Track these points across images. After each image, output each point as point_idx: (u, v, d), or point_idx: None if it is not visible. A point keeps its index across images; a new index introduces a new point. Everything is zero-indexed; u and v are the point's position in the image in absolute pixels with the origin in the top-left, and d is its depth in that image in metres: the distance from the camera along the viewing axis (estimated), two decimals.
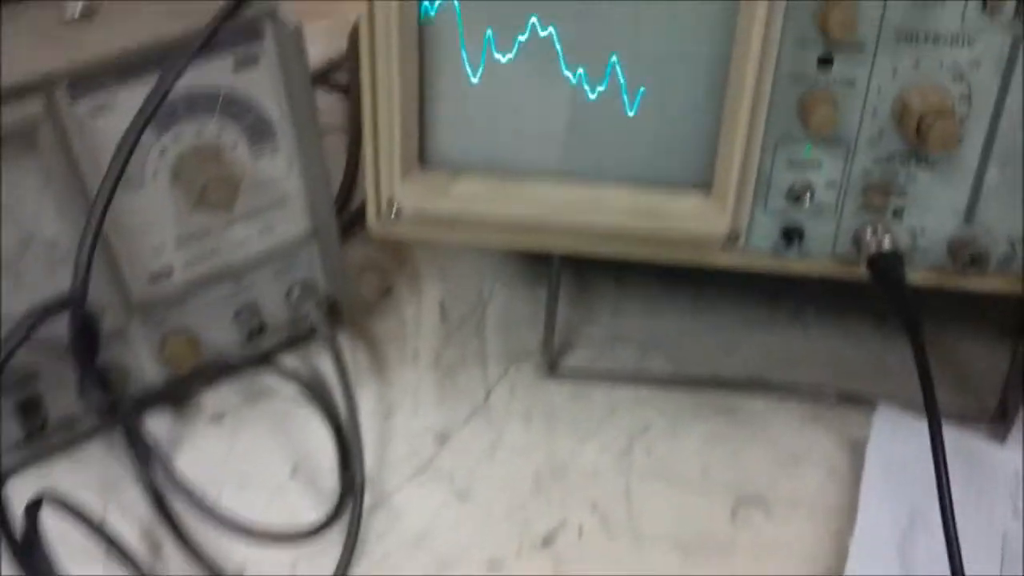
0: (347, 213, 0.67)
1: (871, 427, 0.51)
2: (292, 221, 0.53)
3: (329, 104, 0.75)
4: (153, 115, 0.42)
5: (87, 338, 0.42)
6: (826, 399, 0.55)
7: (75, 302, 0.40)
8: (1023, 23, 0.39)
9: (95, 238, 0.40)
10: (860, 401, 0.54)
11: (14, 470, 0.50)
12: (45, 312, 0.39)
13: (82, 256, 0.40)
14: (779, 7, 0.40)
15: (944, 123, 0.39)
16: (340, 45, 0.78)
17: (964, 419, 0.52)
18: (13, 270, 0.45)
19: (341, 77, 0.76)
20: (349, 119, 0.72)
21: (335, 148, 0.71)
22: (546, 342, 0.57)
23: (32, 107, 0.42)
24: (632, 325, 0.61)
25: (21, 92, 0.41)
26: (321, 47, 0.78)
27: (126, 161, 0.42)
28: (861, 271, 0.45)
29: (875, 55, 0.41)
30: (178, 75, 0.42)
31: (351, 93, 0.73)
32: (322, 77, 0.76)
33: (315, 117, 0.50)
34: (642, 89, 0.43)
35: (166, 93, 0.42)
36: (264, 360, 0.56)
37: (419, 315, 0.62)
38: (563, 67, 0.43)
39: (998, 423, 0.52)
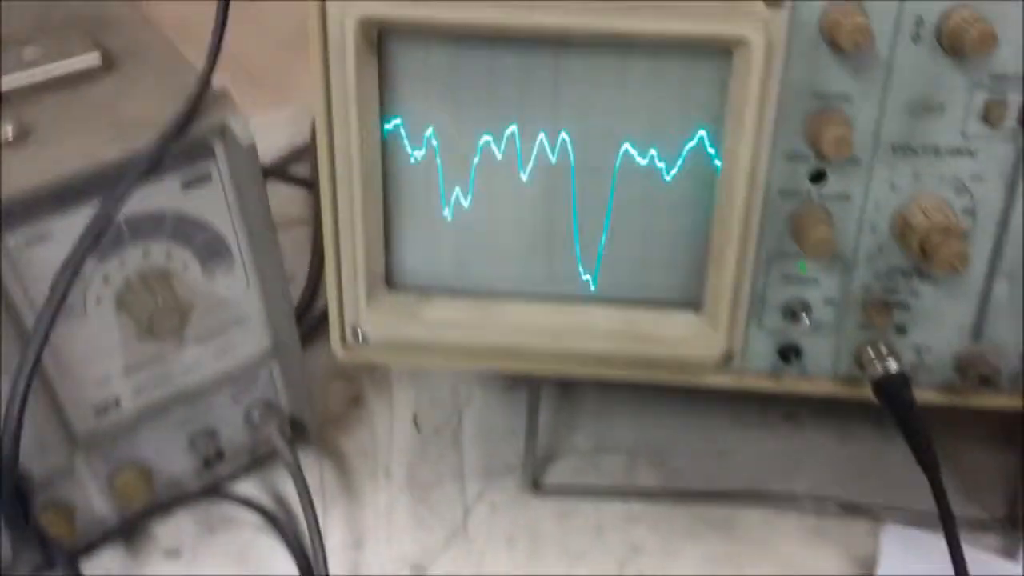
0: (312, 315, 0.63)
1: (879, 547, 0.48)
2: (251, 340, 0.50)
3: (290, 196, 0.71)
4: (92, 248, 0.38)
5: (19, 499, 0.37)
6: (827, 510, 0.52)
7: (5, 465, 0.35)
8: None
9: (26, 392, 0.36)
10: (863, 512, 0.51)
11: None
12: None
13: (13, 409, 0.36)
14: (768, 121, 0.37)
15: (952, 243, 0.37)
16: (303, 133, 0.75)
17: (971, 527, 0.49)
18: None
19: (302, 168, 0.73)
20: (313, 212, 0.69)
21: (298, 243, 0.67)
22: (527, 457, 0.53)
23: None
24: (618, 432, 0.57)
25: None
26: (283, 135, 0.75)
27: (62, 298, 0.38)
28: (866, 393, 0.42)
29: (871, 169, 0.39)
30: (120, 204, 0.38)
31: (314, 186, 0.70)
32: (283, 169, 0.73)
33: (273, 231, 0.47)
34: (631, 205, 0.40)
35: (107, 224, 0.38)
36: (222, 487, 0.52)
37: (391, 427, 0.58)
38: (551, 175, 0.40)
39: (1008, 531, 0.49)
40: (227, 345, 0.49)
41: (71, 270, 0.38)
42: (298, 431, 0.53)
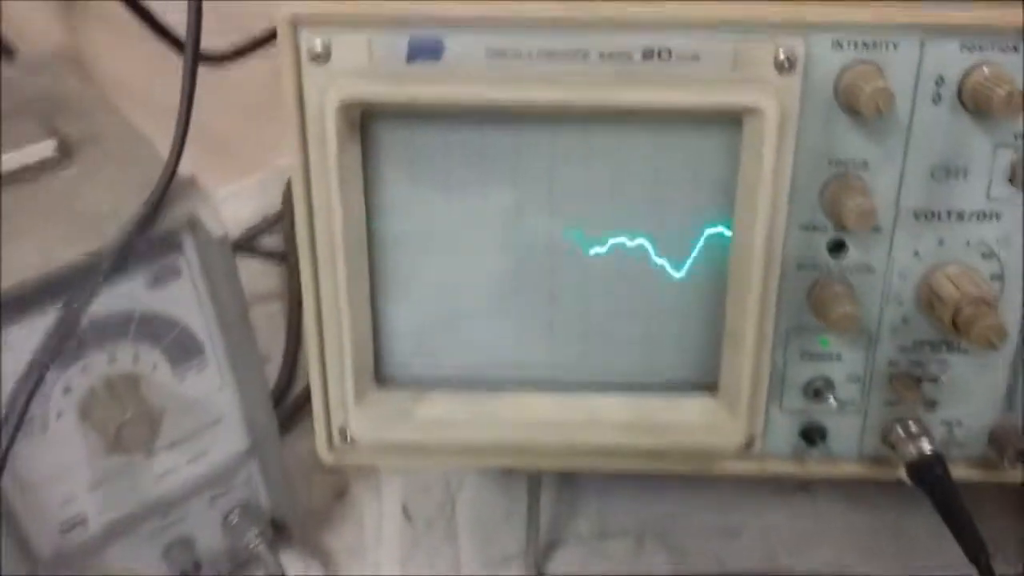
0: (289, 400, 0.59)
1: None
2: (227, 440, 0.46)
3: (262, 270, 0.68)
4: (53, 359, 0.34)
5: None
6: None
7: None
8: None
9: None
10: None
11: None
12: None
13: None
14: (782, 191, 0.35)
15: (987, 316, 0.34)
16: (273, 201, 0.72)
17: None
18: None
19: (273, 240, 0.70)
20: (287, 286, 0.66)
21: (272, 320, 0.64)
22: (529, 546, 0.50)
23: None
24: (623, 513, 0.54)
25: None
26: (251, 205, 0.72)
27: (22, 417, 0.34)
28: (898, 474, 0.39)
29: (893, 237, 0.36)
30: (82, 310, 0.35)
31: (288, 258, 0.67)
32: (252, 242, 0.69)
33: (248, 324, 0.43)
34: (639, 284, 0.37)
35: (69, 333, 0.34)
36: None
37: (380, 520, 0.54)
38: (551, 257, 0.37)
39: None
40: (202, 448, 0.45)
41: (31, 385, 0.34)
42: (281, 532, 0.49)
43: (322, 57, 0.34)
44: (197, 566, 0.47)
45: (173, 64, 0.60)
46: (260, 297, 0.64)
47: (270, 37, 0.66)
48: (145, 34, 0.57)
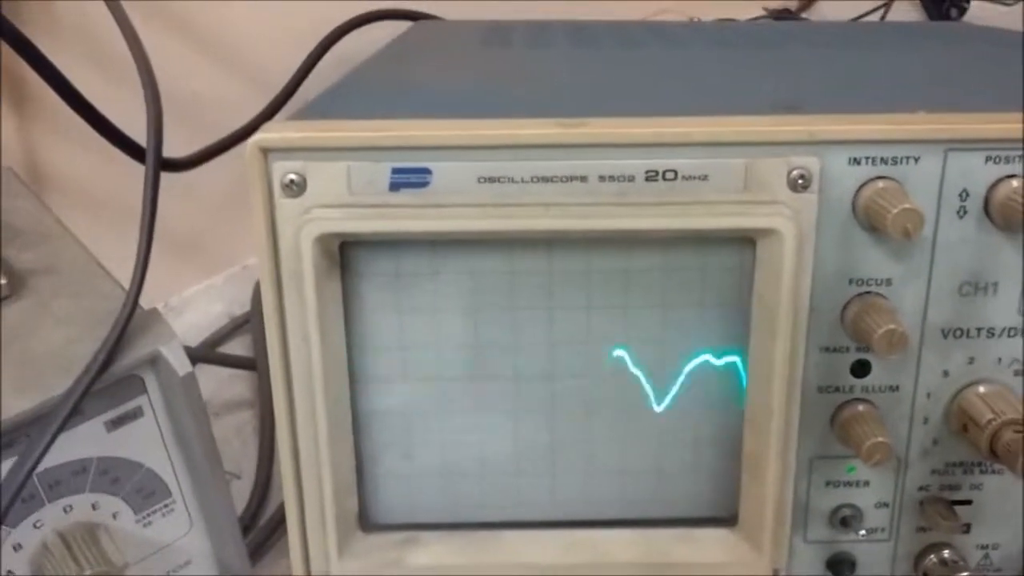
0: (262, 522, 0.55)
1: None
2: None
3: (230, 376, 0.64)
4: (3, 518, 0.30)
5: None
6: None
7: None
8: None
9: None
10: None
11: None
12: None
13: None
14: (801, 313, 0.32)
15: None
16: (242, 299, 0.69)
17: None
18: None
19: (239, 344, 0.66)
20: (259, 395, 0.62)
21: (240, 431, 0.60)
22: None
23: None
24: None
25: None
26: (219, 304, 0.68)
27: None
28: None
29: (920, 356, 0.34)
30: (35, 465, 0.31)
31: (258, 363, 0.63)
32: (218, 345, 0.65)
33: (217, 461, 0.39)
34: (649, 412, 0.34)
35: (20, 489, 0.31)
36: None
37: None
38: (550, 386, 0.34)
39: None
40: None
41: None
42: None
43: (297, 188, 0.31)
44: None
45: (133, 167, 0.57)
46: (228, 405, 0.60)
47: (234, 142, 0.64)
48: (104, 142, 0.54)
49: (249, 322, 0.67)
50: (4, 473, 0.33)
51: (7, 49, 0.56)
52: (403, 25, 0.73)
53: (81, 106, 0.51)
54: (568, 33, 0.56)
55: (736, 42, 0.54)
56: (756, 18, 1.06)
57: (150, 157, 0.38)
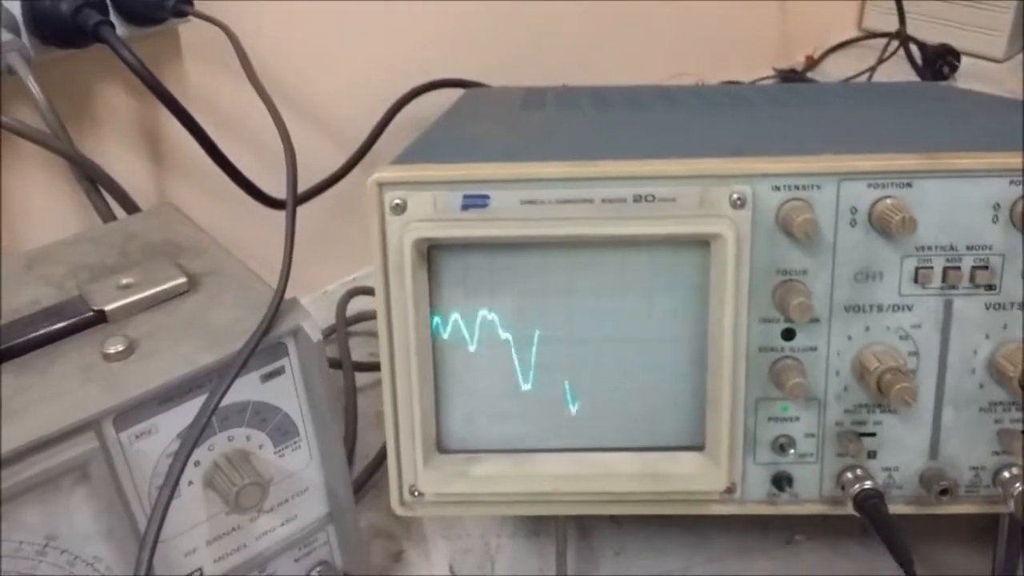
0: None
1: None
2: (312, 507, 0.56)
3: None
4: (199, 440, 0.45)
5: None
6: None
7: None
8: (951, 289, 0.47)
9: (149, 563, 0.43)
10: None
11: None
12: None
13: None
14: (743, 294, 0.47)
15: (901, 381, 0.45)
16: (326, 317, 0.84)
17: None
18: None
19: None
20: (344, 388, 0.77)
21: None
22: None
23: (85, 444, 0.45)
24: (636, 568, 0.64)
25: (75, 432, 0.45)
26: None
27: (175, 484, 0.45)
28: (849, 509, 0.49)
29: (830, 325, 0.48)
30: (219, 402, 0.46)
31: (343, 363, 0.78)
32: None
33: (333, 412, 0.54)
34: (641, 367, 0.49)
35: (209, 419, 0.46)
36: None
37: None
38: (573, 349, 0.49)
39: None
40: (293, 513, 0.55)
41: (182, 459, 0.45)
42: None
43: (400, 209, 0.46)
44: None
45: (241, 209, 0.73)
46: None
47: (326, 186, 0.80)
48: (217, 185, 0.70)
49: (333, 333, 0.82)
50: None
51: (146, 110, 0.74)
52: (456, 92, 0.89)
53: (218, 157, 0.67)
54: (589, 96, 0.72)
55: (723, 103, 0.69)
56: (763, 78, 1.22)
57: (290, 197, 0.54)
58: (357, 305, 0.87)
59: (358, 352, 0.81)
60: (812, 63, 1.35)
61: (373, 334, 0.85)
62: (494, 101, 0.74)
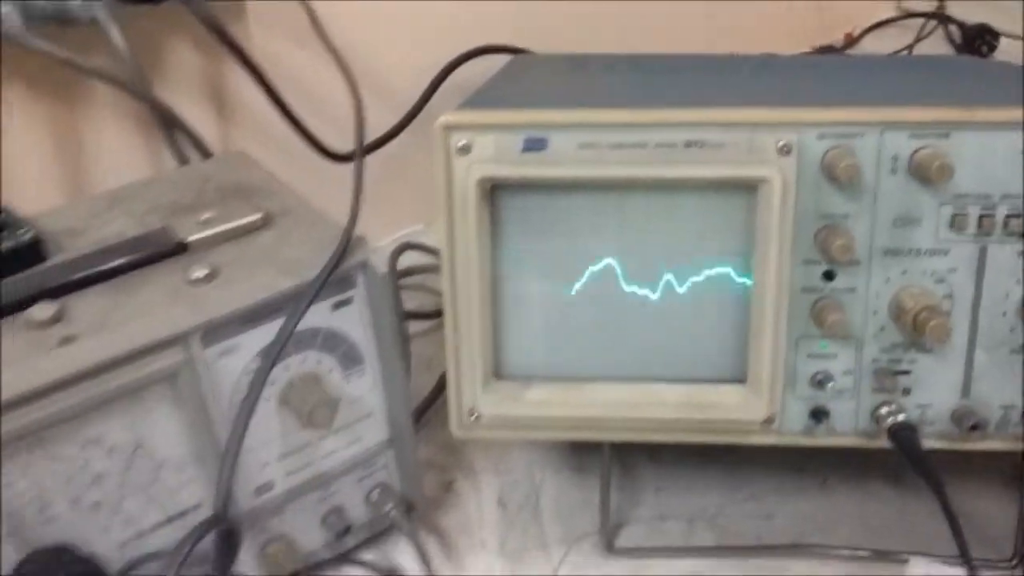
0: None
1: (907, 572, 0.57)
2: (374, 431, 0.60)
3: None
4: (278, 358, 0.50)
5: (229, 550, 0.48)
6: (862, 558, 0.61)
7: (223, 521, 0.46)
8: (985, 236, 0.49)
9: (232, 468, 0.47)
10: (892, 557, 0.60)
11: None
12: (203, 531, 0.46)
13: (222, 483, 0.47)
14: (787, 237, 0.50)
15: (936, 318, 0.48)
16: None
17: (987, 564, 0.58)
18: (147, 492, 0.51)
19: None
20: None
21: None
22: (603, 523, 0.63)
23: (174, 356, 0.50)
24: (675, 502, 0.67)
25: (165, 346, 0.49)
26: None
27: (255, 400, 0.50)
28: (883, 442, 0.52)
29: (870, 268, 0.51)
30: (297, 323, 0.50)
31: (397, 316, 0.82)
32: None
33: (397, 342, 0.58)
34: (689, 304, 0.52)
35: (288, 339, 0.50)
36: (349, 557, 0.62)
37: (480, 507, 0.68)
38: (624, 286, 0.52)
39: (1018, 566, 0.59)
40: (357, 436, 0.60)
41: (262, 376, 0.49)
42: (408, 509, 0.63)
43: (465, 150, 0.50)
44: (347, 530, 0.61)
45: (299, 165, 0.77)
46: None
47: (383, 142, 0.84)
48: (277, 141, 0.74)
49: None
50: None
51: (212, 67, 0.78)
52: (503, 58, 0.92)
53: (283, 110, 0.71)
54: (632, 61, 0.75)
55: (765, 65, 0.72)
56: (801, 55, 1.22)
57: (358, 140, 0.58)
58: (406, 260, 0.91)
59: (408, 304, 0.85)
60: (851, 41, 1.36)
61: (421, 287, 0.90)
62: (540, 65, 0.77)
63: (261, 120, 0.79)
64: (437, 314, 0.83)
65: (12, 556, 0.48)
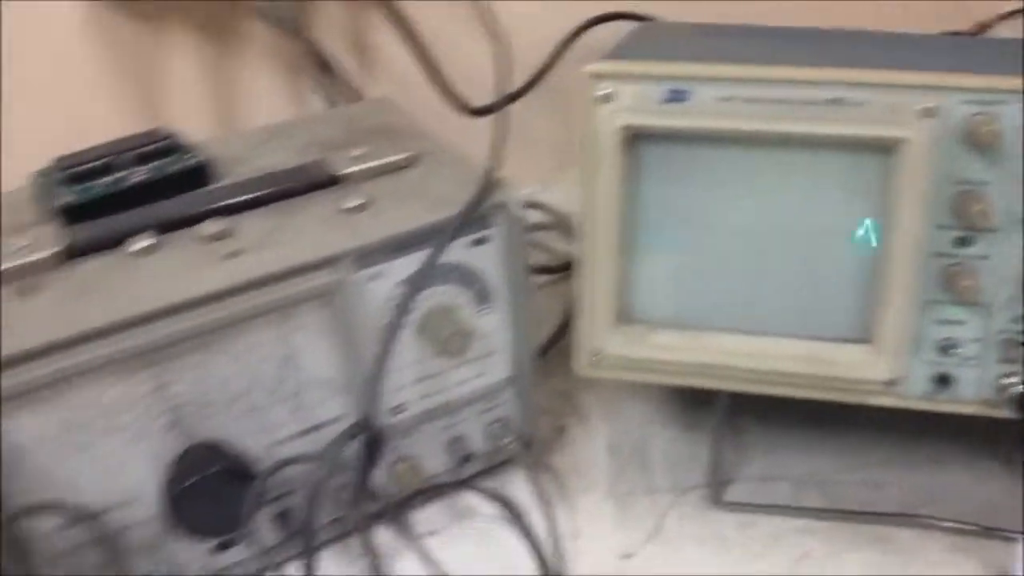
0: None
1: (1016, 557, 0.57)
2: (498, 368, 0.64)
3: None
4: (422, 287, 0.53)
5: (372, 456, 0.52)
6: (970, 532, 0.61)
7: (371, 427, 0.50)
8: None
9: (379, 378, 0.51)
10: (1001, 534, 0.60)
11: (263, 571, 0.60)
12: (352, 433, 0.50)
13: (371, 393, 0.51)
14: (923, 201, 0.50)
15: None
16: None
17: None
18: (296, 400, 0.56)
19: None
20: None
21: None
22: (713, 474, 0.65)
23: (329, 276, 0.54)
24: (785, 464, 0.68)
25: (321, 265, 0.54)
26: None
27: (399, 322, 0.54)
28: (1007, 412, 0.53)
29: (1006, 236, 0.51)
30: (440, 253, 0.54)
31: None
32: None
33: (527, 285, 0.61)
34: (817, 262, 0.53)
35: (432, 269, 0.54)
36: (466, 483, 0.65)
37: (590, 451, 0.71)
38: (755, 240, 0.54)
39: None
40: (483, 370, 0.63)
41: (408, 300, 0.53)
42: (525, 445, 0.67)
43: (609, 99, 0.52)
44: (468, 458, 0.65)
45: (434, 121, 0.80)
46: None
47: (514, 98, 0.86)
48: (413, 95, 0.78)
49: None
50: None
51: (354, 23, 0.82)
52: (629, 25, 0.93)
53: (425, 61, 0.75)
54: (757, 29, 0.75)
55: (901, 37, 0.71)
56: None
57: (501, 88, 0.61)
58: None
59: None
60: (982, 28, 1.32)
61: (539, 245, 0.92)
62: (670, 30, 0.78)
63: (398, 77, 0.83)
64: (552, 270, 0.86)
65: (176, 447, 0.54)
